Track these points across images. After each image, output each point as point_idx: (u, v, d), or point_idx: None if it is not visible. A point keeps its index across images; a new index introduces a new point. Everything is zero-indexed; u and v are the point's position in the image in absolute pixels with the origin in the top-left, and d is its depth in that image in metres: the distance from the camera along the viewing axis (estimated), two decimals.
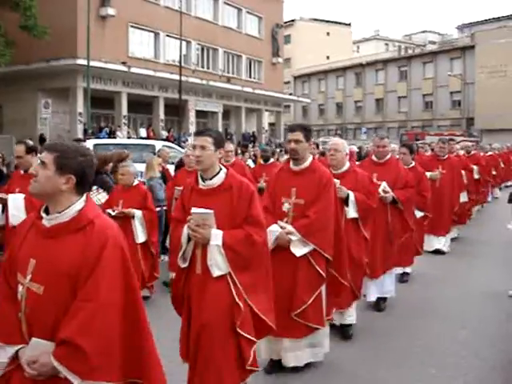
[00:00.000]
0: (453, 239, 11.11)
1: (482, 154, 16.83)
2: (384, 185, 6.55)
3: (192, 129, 36.29)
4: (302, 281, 4.75)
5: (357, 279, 5.70)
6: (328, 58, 70.59)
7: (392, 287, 6.95)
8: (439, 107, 58.54)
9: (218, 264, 3.78)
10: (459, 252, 10.45)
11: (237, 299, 3.78)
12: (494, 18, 61.06)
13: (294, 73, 70.52)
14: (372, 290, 6.74)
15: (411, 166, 8.02)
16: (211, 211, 3.76)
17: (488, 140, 36.16)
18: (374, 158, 7.05)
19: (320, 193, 4.78)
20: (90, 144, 14.74)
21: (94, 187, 7.40)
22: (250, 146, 27.71)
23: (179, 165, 10.30)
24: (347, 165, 5.81)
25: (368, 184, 5.83)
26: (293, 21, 68.28)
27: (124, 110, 32.60)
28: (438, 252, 10.25)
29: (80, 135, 26.23)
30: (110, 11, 31.77)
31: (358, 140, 45.98)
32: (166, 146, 14.98)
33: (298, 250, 4.72)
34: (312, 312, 4.79)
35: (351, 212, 5.60)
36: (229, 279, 3.80)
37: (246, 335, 3.81)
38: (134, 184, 7.33)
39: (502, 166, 20.31)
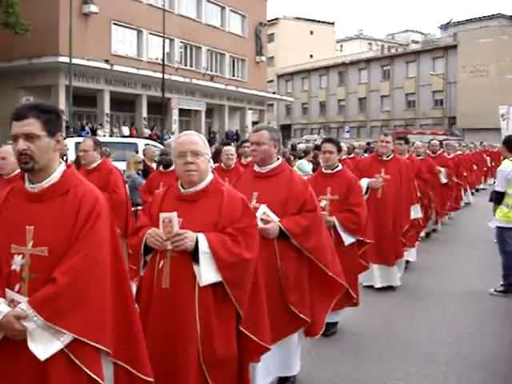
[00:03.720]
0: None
1: (451, 154, 14.02)
2: (263, 209, 4.11)
3: (175, 127, 36.17)
4: None
5: None
6: (311, 56, 70.77)
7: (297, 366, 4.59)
8: (422, 106, 59.00)
9: None
10: (438, 252, 10.46)
11: None
12: (476, 18, 61.44)
13: (277, 71, 70.53)
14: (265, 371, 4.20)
15: (337, 169, 5.83)
16: None
17: (470, 139, 36.44)
18: (255, 167, 4.43)
19: (77, 233, 2.54)
20: (71, 142, 14.58)
21: None
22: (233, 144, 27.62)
23: (160, 162, 10.16)
24: (208, 179, 3.37)
25: (241, 215, 3.29)
26: (276, 19, 68.28)
27: (106, 108, 32.39)
28: (388, 288, 7.56)
29: None
30: (93, 8, 31.53)
31: (341, 139, 46.04)
32: (149, 145, 15.00)
33: (43, 347, 2.40)
34: None
35: (205, 275, 3.10)
36: None
37: None
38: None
39: (475, 167, 18.52)
